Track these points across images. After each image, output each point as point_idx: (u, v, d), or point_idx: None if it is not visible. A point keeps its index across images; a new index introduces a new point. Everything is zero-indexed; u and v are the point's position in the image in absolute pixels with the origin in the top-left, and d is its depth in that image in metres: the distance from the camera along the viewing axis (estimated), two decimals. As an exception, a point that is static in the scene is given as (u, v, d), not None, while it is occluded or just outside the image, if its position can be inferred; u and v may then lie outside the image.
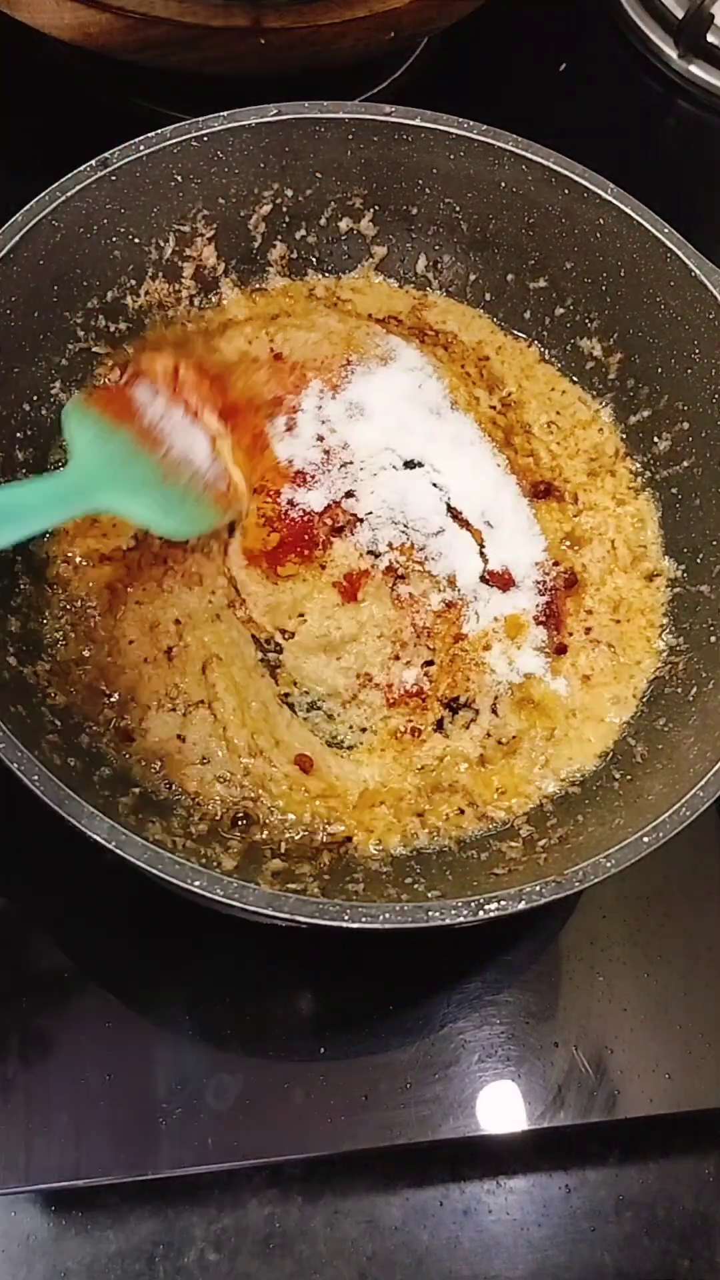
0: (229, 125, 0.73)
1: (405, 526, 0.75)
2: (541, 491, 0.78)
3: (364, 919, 0.52)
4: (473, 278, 0.83)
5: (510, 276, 0.82)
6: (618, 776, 0.68)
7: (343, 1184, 0.68)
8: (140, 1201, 0.66)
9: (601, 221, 0.75)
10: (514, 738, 0.71)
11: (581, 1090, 0.67)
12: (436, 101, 0.77)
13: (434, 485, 0.76)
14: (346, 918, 0.52)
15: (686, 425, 0.75)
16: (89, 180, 0.69)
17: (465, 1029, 0.68)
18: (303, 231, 0.81)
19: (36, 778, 0.53)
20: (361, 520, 0.75)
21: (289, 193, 0.79)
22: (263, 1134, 0.64)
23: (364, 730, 0.71)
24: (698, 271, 0.72)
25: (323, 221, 0.81)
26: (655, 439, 0.77)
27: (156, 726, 0.66)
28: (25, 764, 0.53)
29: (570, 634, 0.74)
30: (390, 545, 0.75)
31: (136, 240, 0.75)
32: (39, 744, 0.58)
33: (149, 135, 0.71)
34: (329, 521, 0.75)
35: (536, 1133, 0.67)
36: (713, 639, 0.69)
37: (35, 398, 0.71)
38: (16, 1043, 0.65)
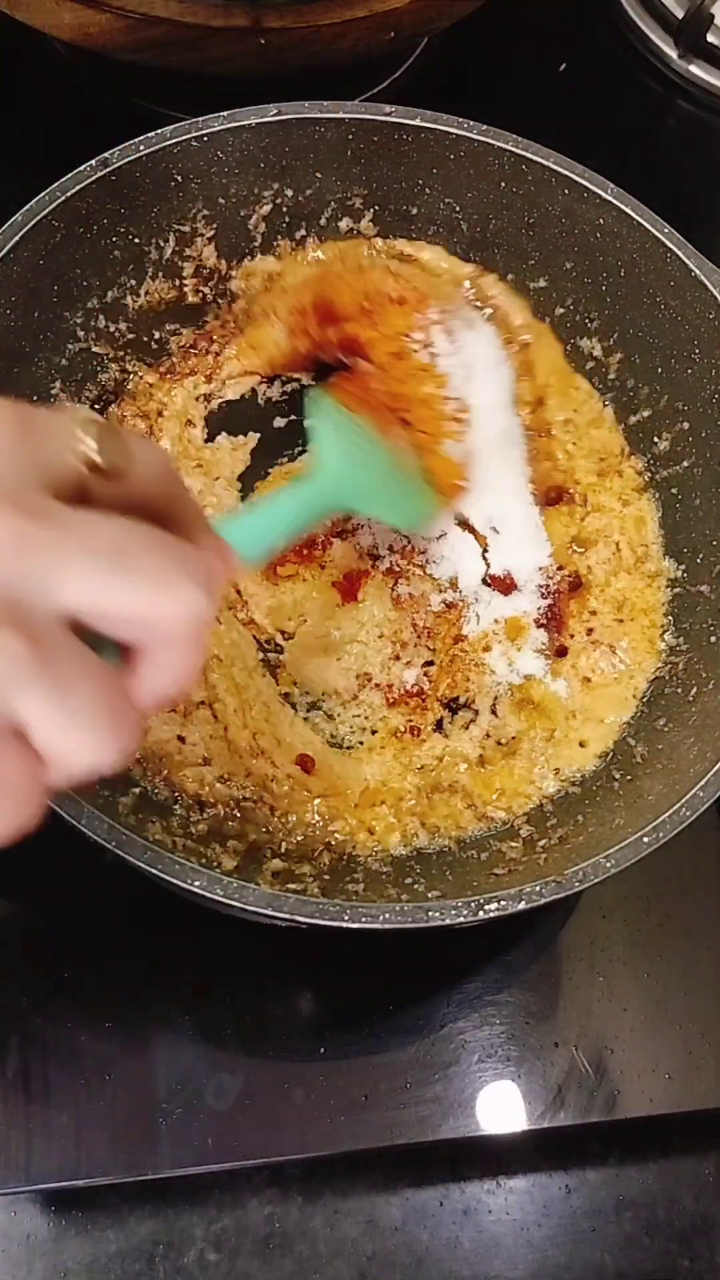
0: (229, 125, 0.73)
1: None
2: (553, 498, 0.78)
3: (364, 919, 0.52)
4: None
5: (510, 276, 0.82)
6: (618, 776, 0.68)
7: (343, 1184, 0.68)
8: (140, 1201, 0.66)
9: (601, 221, 0.75)
10: (513, 738, 0.71)
11: (581, 1090, 0.67)
12: (436, 101, 0.77)
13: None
14: (346, 918, 0.52)
15: (686, 425, 0.75)
16: (89, 180, 0.69)
17: (465, 1029, 0.68)
18: (303, 231, 0.81)
19: (36, 778, 0.53)
20: (361, 525, 0.75)
21: (289, 193, 0.79)
22: (263, 1134, 0.64)
23: (364, 730, 0.71)
24: (698, 271, 0.72)
25: (323, 221, 0.81)
26: (655, 439, 0.77)
27: (156, 727, 0.66)
28: (25, 764, 0.53)
29: (571, 635, 0.74)
30: (390, 548, 0.75)
31: (136, 240, 0.75)
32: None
33: (149, 135, 0.71)
34: (328, 522, 0.75)
35: (536, 1133, 0.67)
36: (713, 639, 0.69)
37: (35, 398, 0.71)
38: (16, 1043, 0.65)
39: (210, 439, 0.78)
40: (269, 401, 0.80)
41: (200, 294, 0.80)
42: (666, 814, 0.57)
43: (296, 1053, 0.67)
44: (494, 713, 0.72)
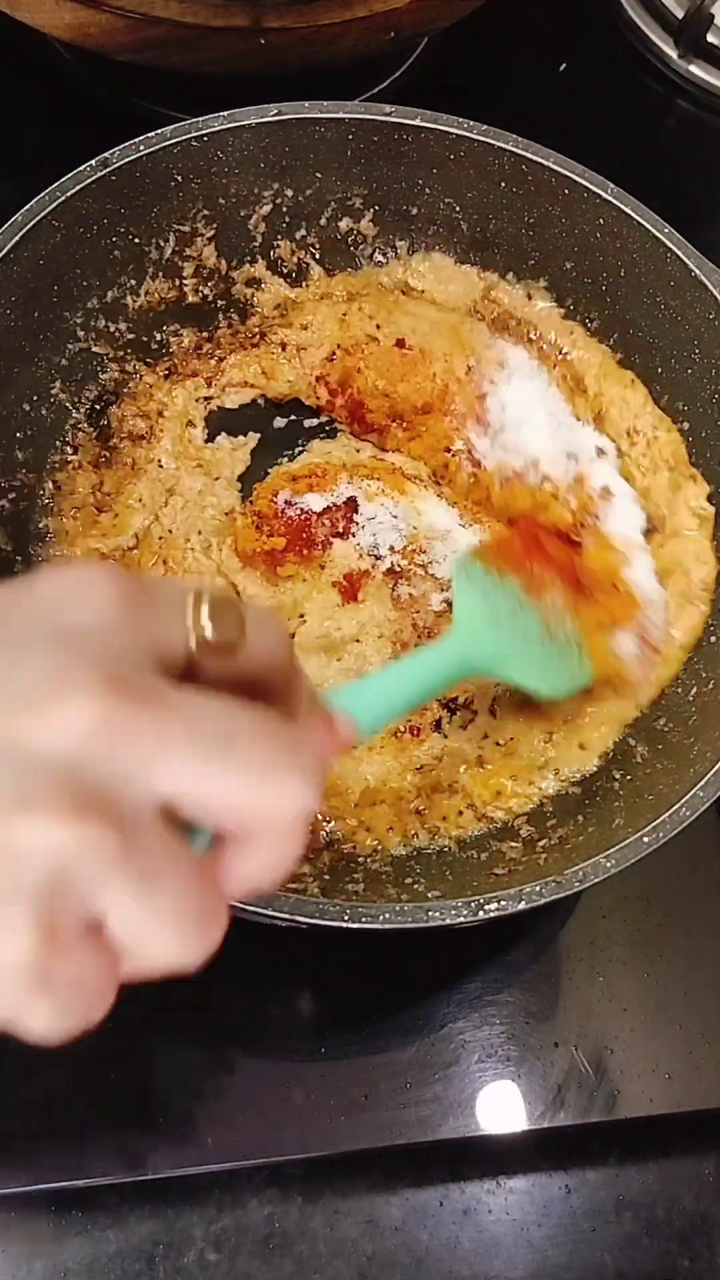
0: (229, 125, 0.73)
1: (412, 530, 0.75)
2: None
3: (364, 919, 0.52)
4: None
5: (510, 276, 0.82)
6: (618, 776, 0.68)
7: (343, 1184, 0.68)
8: (140, 1201, 0.66)
9: (601, 221, 0.75)
10: (512, 739, 0.71)
11: (581, 1090, 0.67)
12: (436, 101, 0.77)
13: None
14: (346, 918, 0.52)
15: (686, 425, 0.75)
16: (89, 180, 0.69)
17: (465, 1029, 0.68)
18: (303, 231, 0.81)
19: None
20: (363, 526, 0.75)
21: (289, 193, 0.79)
22: (263, 1134, 0.64)
23: (364, 730, 0.71)
24: (698, 271, 0.72)
25: (323, 221, 0.81)
26: (655, 439, 0.77)
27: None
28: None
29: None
30: (392, 549, 0.75)
31: (136, 240, 0.75)
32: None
33: (149, 135, 0.71)
34: (328, 523, 0.75)
35: (536, 1133, 0.67)
36: (713, 639, 0.69)
37: (35, 398, 0.71)
38: (16, 1043, 0.65)
39: (210, 439, 0.78)
40: (269, 402, 0.81)
41: (200, 294, 0.80)
42: (666, 814, 0.57)
43: (296, 1053, 0.67)
44: (492, 713, 0.72)
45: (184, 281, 0.79)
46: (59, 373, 0.73)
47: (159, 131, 0.72)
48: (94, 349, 0.75)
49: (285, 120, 0.74)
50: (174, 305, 0.79)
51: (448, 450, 0.77)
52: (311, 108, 0.75)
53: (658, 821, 0.57)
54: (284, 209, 0.79)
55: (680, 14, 1.06)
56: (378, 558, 0.75)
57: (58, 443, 0.73)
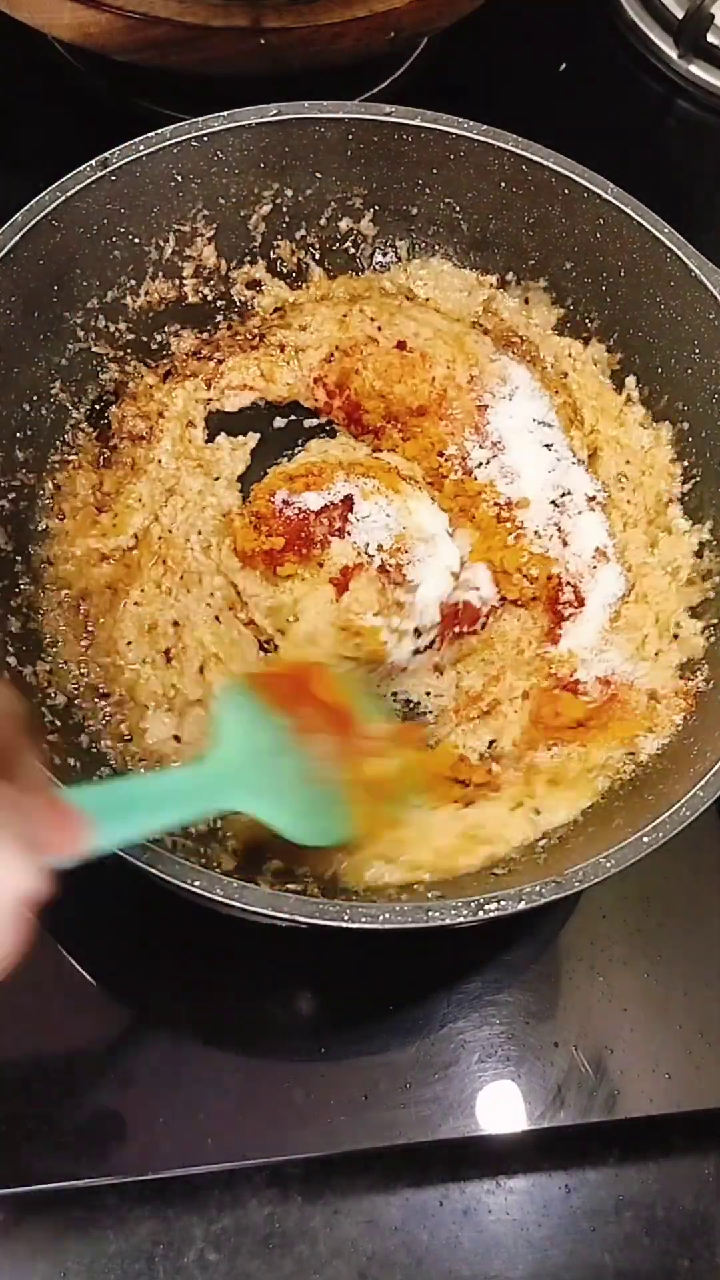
0: (229, 125, 0.73)
1: (402, 529, 0.75)
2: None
3: (364, 919, 0.52)
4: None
5: (510, 276, 0.82)
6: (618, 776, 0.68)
7: (342, 1184, 0.68)
8: (140, 1201, 0.66)
9: (601, 221, 0.75)
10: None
11: (581, 1090, 0.67)
12: (436, 101, 0.77)
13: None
14: (346, 918, 0.52)
15: (686, 425, 0.75)
16: (89, 180, 0.69)
17: (465, 1029, 0.68)
18: (303, 231, 0.81)
19: (36, 778, 0.53)
20: (357, 523, 0.75)
21: (289, 193, 0.79)
22: (263, 1134, 0.64)
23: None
24: (698, 271, 0.72)
25: (323, 221, 0.81)
26: (655, 439, 0.77)
27: (155, 727, 0.66)
28: (25, 764, 0.53)
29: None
30: (380, 547, 0.75)
31: (136, 240, 0.75)
32: (39, 744, 0.58)
33: (149, 135, 0.71)
34: (325, 521, 0.75)
35: (536, 1133, 0.67)
36: (712, 639, 0.69)
37: (35, 398, 0.71)
38: (16, 1044, 0.65)
39: (210, 439, 0.78)
40: (268, 403, 0.80)
41: (200, 294, 0.80)
42: (666, 814, 0.57)
43: (296, 1053, 0.67)
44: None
45: (184, 282, 0.79)
46: (59, 373, 0.73)
47: (159, 131, 0.71)
48: (94, 349, 0.75)
49: (285, 120, 0.74)
50: (174, 305, 0.79)
51: (440, 454, 0.77)
52: (311, 108, 0.75)
53: (658, 821, 0.57)
54: (284, 209, 0.79)
55: (680, 14, 1.06)
56: (370, 556, 0.75)
57: (58, 443, 0.73)
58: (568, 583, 0.73)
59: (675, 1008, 0.70)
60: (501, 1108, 0.67)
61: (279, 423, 0.80)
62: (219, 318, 0.81)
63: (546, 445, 0.78)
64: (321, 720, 0.59)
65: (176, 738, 0.66)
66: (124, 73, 0.88)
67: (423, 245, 0.83)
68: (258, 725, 0.57)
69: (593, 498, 0.76)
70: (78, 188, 0.69)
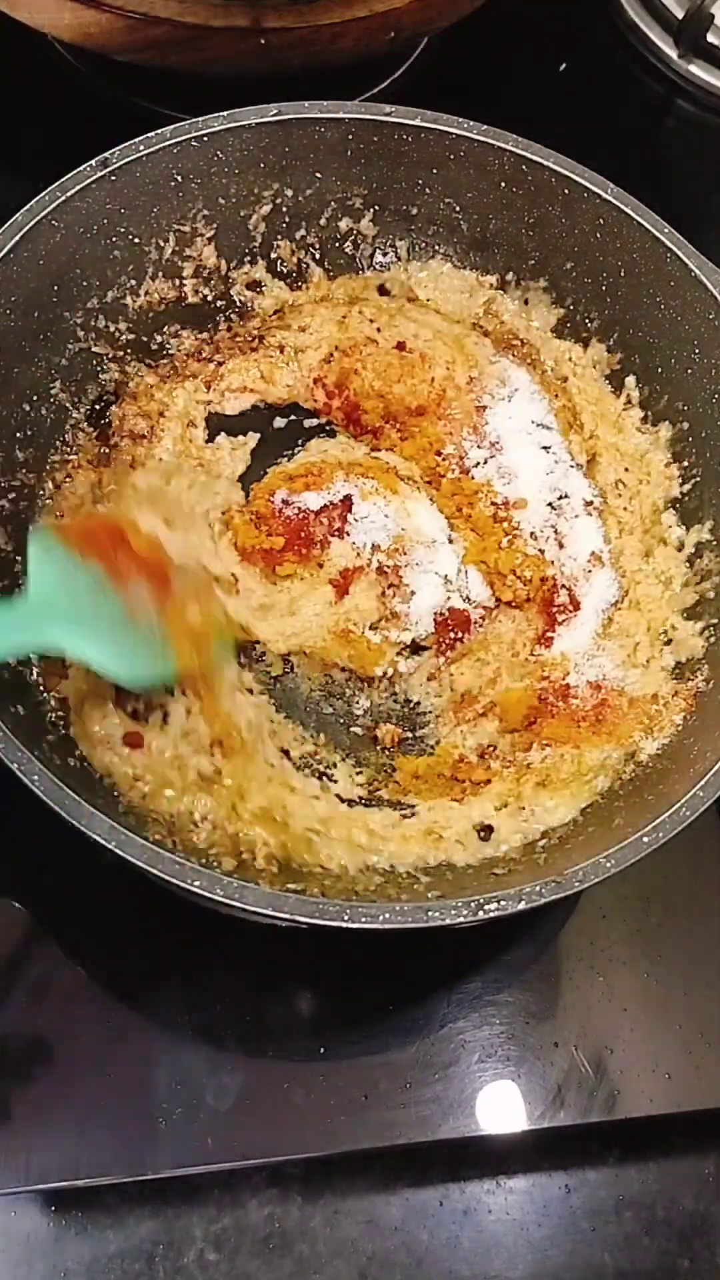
0: (229, 125, 0.73)
1: (400, 530, 0.75)
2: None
3: (364, 919, 0.52)
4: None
5: (510, 276, 0.82)
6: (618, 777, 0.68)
7: (342, 1184, 0.68)
8: (140, 1201, 0.66)
9: (601, 221, 0.75)
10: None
11: (581, 1090, 0.67)
12: (436, 101, 0.77)
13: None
14: (346, 918, 0.52)
15: (686, 425, 0.75)
16: (89, 180, 0.69)
17: (465, 1029, 0.68)
18: (303, 231, 0.81)
19: (36, 778, 0.53)
20: (356, 523, 0.75)
21: (289, 193, 0.79)
22: (263, 1134, 0.64)
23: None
24: (698, 271, 0.72)
25: (323, 221, 0.81)
26: (655, 439, 0.77)
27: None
28: (25, 764, 0.53)
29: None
30: (377, 547, 0.75)
31: (136, 240, 0.75)
32: (39, 744, 0.58)
33: (149, 135, 0.71)
34: (325, 521, 0.75)
35: (536, 1133, 0.67)
36: (713, 639, 0.69)
37: (35, 398, 0.71)
38: (16, 1043, 0.65)
39: (210, 439, 0.78)
40: (268, 404, 0.80)
41: (200, 295, 0.80)
42: (666, 814, 0.57)
43: (296, 1053, 0.66)
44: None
45: (184, 282, 0.79)
46: (59, 373, 0.73)
47: (159, 131, 0.71)
48: (94, 349, 0.75)
49: (285, 120, 0.74)
50: (174, 306, 0.79)
51: (438, 454, 0.77)
52: (311, 108, 0.75)
53: (658, 821, 0.57)
54: (284, 209, 0.79)
55: (680, 14, 1.06)
56: (368, 557, 0.75)
57: (58, 443, 0.73)
58: (562, 585, 0.73)
59: (675, 1008, 0.70)
60: (501, 1108, 0.67)
61: (279, 423, 0.80)
62: (219, 318, 0.81)
63: (545, 448, 0.78)
64: (136, 570, 0.61)
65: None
66: (124, 73, 0.88)
67: (423, 245, 0.83)
68: (71, 570, 0.59)
69: (590, 502, 0.76)
70: (78, 188, 0.69)
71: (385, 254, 0.83)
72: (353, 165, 0.78)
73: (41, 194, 0.68)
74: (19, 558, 0.68)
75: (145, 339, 0.78)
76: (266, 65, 0.84)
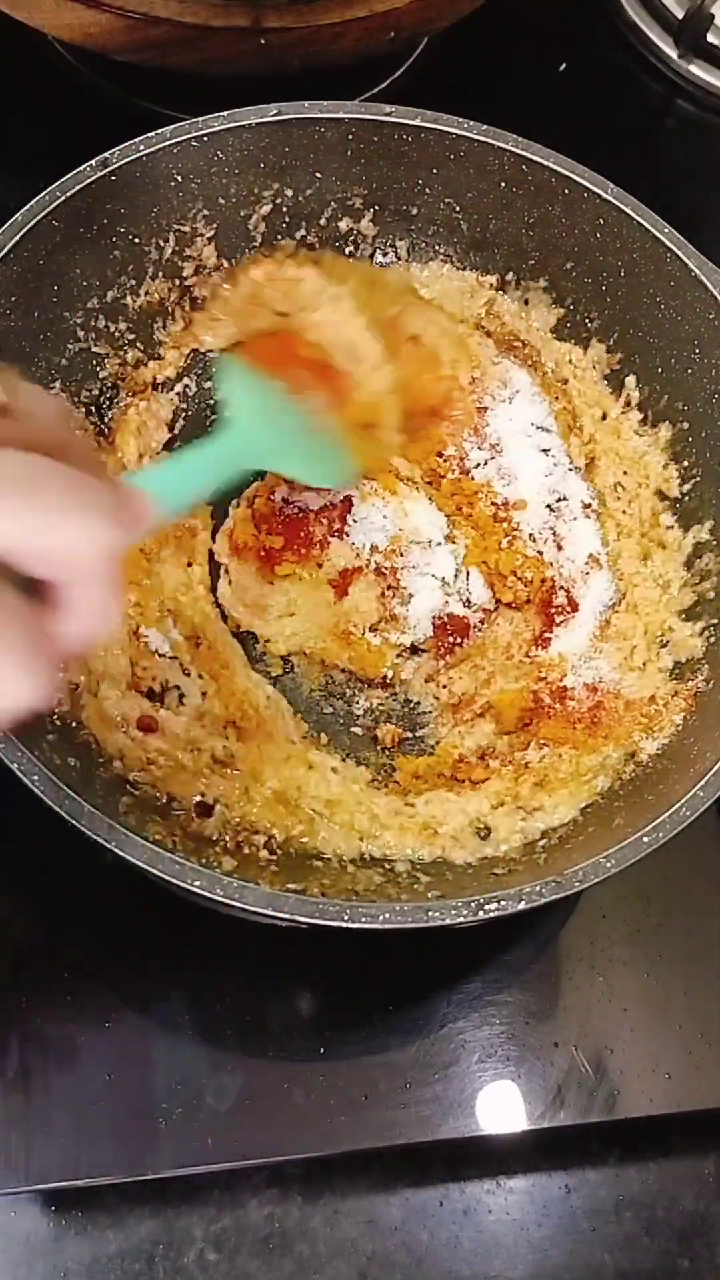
0: (229, 125, 0.73)
1: (398, 531, 0.75)
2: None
3: (364, 919, 0.52)
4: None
5: (510, 276, 0.82)
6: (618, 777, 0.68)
7: (342, 1184, 0.68)
8: (140, 1201, 0.66)
9: (601, 221, 0.75)
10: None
11: (581, 1090, 0.67)
12: (436, 101, 0.77)
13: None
14: (346, 918, 0.52)
15: (686, 425, 0.75)
16: (89, 180, 0.69)
17: (465, 1029, 0.68)
18: (303, 231, 0.81)
19: (36, 778, 0.53)
20: (355, 523, 0.75)
21: (289, 193, 0.79)
22: (263, 1134, 0.64)
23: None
24: (698, 271, 0.72)
25: (323, 221, 0.81)
26: (655, 439, 0.77)
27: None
28: (25, 764, 0.53)
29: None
30: (374, 548, 0.75)
31: (136, 240, 0.74)
32: (39, 744, 0.58)
33: (149, 135, 0.71)
34: (324, 521, 0.75)
35: (536, 1133, 0.67)
36: (712, 640, 0.69)
37: (35, 398, 0.71)
38: (16, 1043, 0.65)
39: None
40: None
41: (201, 294, 0.79)
42: (666, 814, 0.57)
43: (296, 1053, 0.67)
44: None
45: (184, 281, 0.79)
46: (59, 373, 0.73)
47: (159, 131, 0.71)
48: (94, 349, 0.75)
49: (285, 120, 0.74)
50: (174, 305, 0.79)
51: (439, 455, 0.77)
52: (311, 108, 0.75)
53: (658, 821, 0.56)
54: (284, 209, 0.79)
55: (680, 14, 1.06)
56: (367, 558, 0.75)
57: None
58: (561, 587, 0.73)
59: (675, 1008, 0.70)
60: (501, 1108, 0.67)
61: (279, 423, 0.80)
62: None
63: (544, 450, 0.78)
64: (308, 376, 0.63)
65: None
66: (124, 73, 0.88)
67: (423, 245, 0.83)
68: (260, 390, 0.62)
69: (588, 505, 0.76)
70: (78, 188, 0.69)
71: (385, 254, 0.83)
72: (353, 165, 0.78)
73: (41, 194, 0.67)
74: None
75: (146, 339, 0.78)
76: (266, 65, 0.84)
